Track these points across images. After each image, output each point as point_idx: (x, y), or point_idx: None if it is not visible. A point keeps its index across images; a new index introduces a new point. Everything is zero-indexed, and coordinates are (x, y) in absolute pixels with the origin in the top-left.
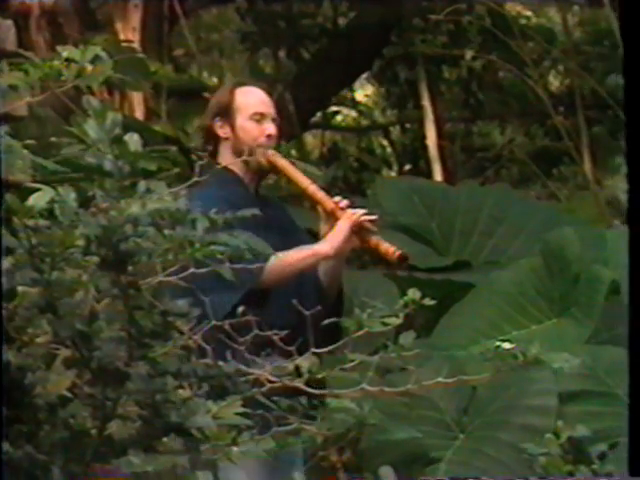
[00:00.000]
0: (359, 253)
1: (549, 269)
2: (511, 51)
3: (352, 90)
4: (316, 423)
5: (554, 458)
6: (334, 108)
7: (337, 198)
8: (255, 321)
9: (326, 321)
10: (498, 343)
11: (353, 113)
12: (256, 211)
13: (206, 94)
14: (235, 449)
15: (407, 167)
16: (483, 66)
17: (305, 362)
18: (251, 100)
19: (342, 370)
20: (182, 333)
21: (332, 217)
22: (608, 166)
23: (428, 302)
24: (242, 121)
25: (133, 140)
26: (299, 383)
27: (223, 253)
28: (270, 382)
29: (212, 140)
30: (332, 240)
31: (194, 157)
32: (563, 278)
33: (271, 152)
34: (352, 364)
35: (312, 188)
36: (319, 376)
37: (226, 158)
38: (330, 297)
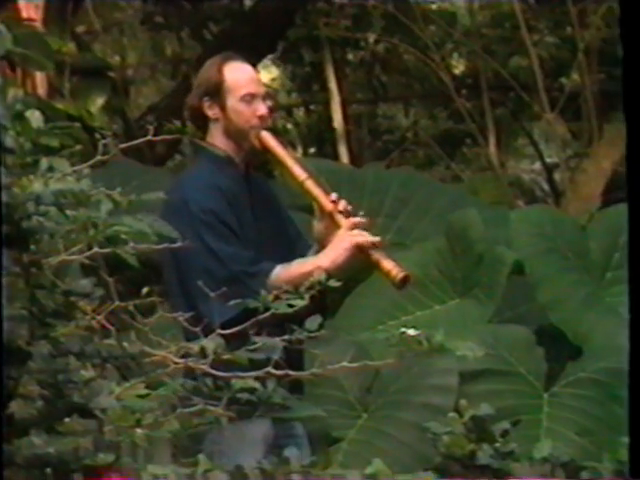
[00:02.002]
0: None
1: (453, 250)
2: (414, 34)
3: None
4: (221, 404)
5: (457, 437)
6: None
7: (334, 196)
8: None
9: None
10: (403, 329)
11: None
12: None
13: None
14: (139, 431)
15: (312, 149)
16: (386, 49)
17: (210, 343)
18: (241, 79)
19: (248, 352)
20: (86, 313)
21: (329, 218)
22: (511, 148)
23: (333, 283)
24: (233, 102)
25: (35, 117)
26: (204, 364)
27: (127, 234)
28: (175, 363)
29: (200, 119)
30: (333, 256)
31: (98, 136)
32: (466, 259)
33: (264, 134)
34: (257, 345)
35: (309, 183)
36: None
37: (216, 139)
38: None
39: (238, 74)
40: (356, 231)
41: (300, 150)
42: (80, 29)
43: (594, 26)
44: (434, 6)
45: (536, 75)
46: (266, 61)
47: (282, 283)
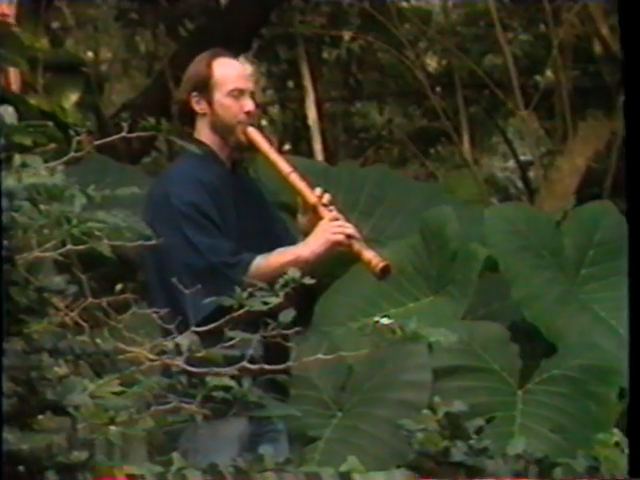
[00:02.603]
0: None
1: (427, 247)
2: (389, 32)
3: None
4: (196, 402)
5: (431, 434)
6: None
7: (318, 191)
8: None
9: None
10: (377, 318)
11: None
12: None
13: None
14: (113, 428)
15: (287, 147)
16: (361, 47)
17: (185, 340)
18: (229, 74)
19: (222, 348)
20: (59, 310)
21: (312, 211)
22: (485, 145)
23: (308, 281)
24: (220, 97)
25: (8, 113)
26: (179, 361)
27: (101, 230)
28: (149, 360)
29: (188, 114)
30: (314, 246)
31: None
32: (441, 256)
33: (250, 129)
34: (232, 342)
35: (293, 177)
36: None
37: (203, 134)
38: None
39: (227, 69)
40: (338, 222)
41: (275, 147)
42: (54, 25)
43: (568, 23)
44: (409, 4)
45: (510, 73)
46: (241, 58)
47: (262, 273)
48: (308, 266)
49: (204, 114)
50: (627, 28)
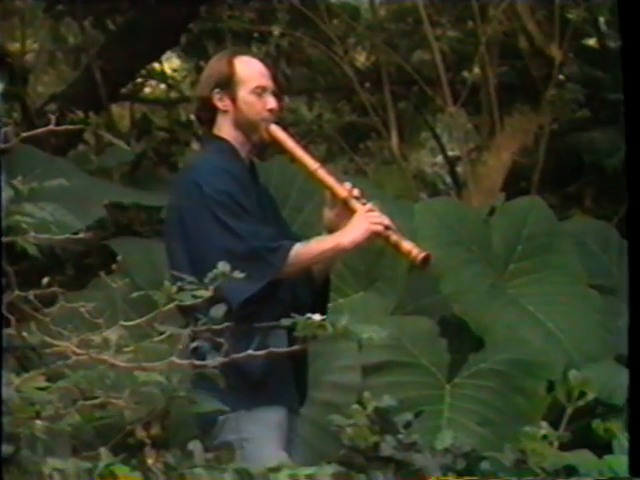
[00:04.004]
0: None
1: None
2: (318, 28)
3: (161, 63)
4: (124, 396)
5: (361, 429)
6: (142, 80)
7: (347, 185)
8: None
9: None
10: (309, 314)
11: (162, 86)
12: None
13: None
14: (39, 423)
15: None
16: (290, 43)
17: (113, 334)
18: (252, 72)
19: (151, 343)
20: None
21: (342, 205)
22: (414, 141)
23: (238, 275)
24: (244, 95)
25: None
26: (107, 355)
27: (28, 224)
28: (76, 354)
29: (208, 111)
30: (354, 235)
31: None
32: (369, 251)
33: (273, 127)
34: (162, 337)
35: (321, 172)
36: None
37: (224, 130)
38: (318, 280)
39: (249, 67)
40: (376, 213)
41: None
42: None
43: (495, 20)
44: (338, 0)
45: (438, 69)
46: (170, 53)
47: (302, 260)
48: (346, 254)
49: (226, 111)
50: (627, 28)
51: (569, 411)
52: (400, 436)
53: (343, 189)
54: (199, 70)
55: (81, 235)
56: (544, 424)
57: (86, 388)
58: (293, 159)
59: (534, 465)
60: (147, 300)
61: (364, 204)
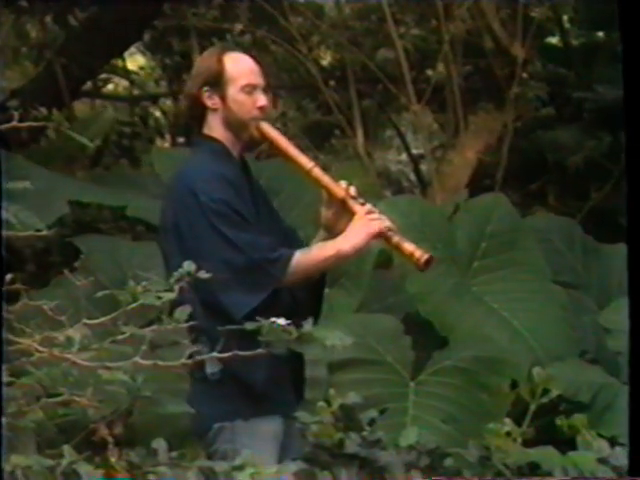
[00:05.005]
0: (132, 224)
1: None
2: (281, 26)
3: (123, 59)
4: (87, 394)
5: (326, 426)
6: (105, 77)
7: (344, 183)
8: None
9: None
10: (273, 319)
11: (125, 82)
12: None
13: None
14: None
15: (180, 139)
16: (254, 40)
17: (77, 333)
18: (242, 70)
19: (114, 343)
20: None
21: (340, 204)
22: (378, 139)
23: (203, 275)
24: (234, 93)
25: None
26: (70, 354)
27: None
28: (39, 352)
29: (198, 109)
30: (355, 240)
31: None
32: None
33: (264, 125)
34: (124, 336)
35: (316, 171)
36: (93, 347)
37: (215, 130)
38: (314, 279)
39: (238, 64)
40: (375, 215)
41: (168, 140)
42: None
43: (459, 18)
44: None
45: (402, 67)
46: (133, 49)
47: (303, 268)
48: (348, 260)
49: (216, 109)
50: (628, 28)
51: (533, 408)
52: (365, 433)
53: (340, 189)
54: (163, 67)
55: (44, 232)
56: (508, 421)
57: (49, 385)
58: (286, 158)
59: (498, 462)
60: (111, 299)
61: (362, 204)
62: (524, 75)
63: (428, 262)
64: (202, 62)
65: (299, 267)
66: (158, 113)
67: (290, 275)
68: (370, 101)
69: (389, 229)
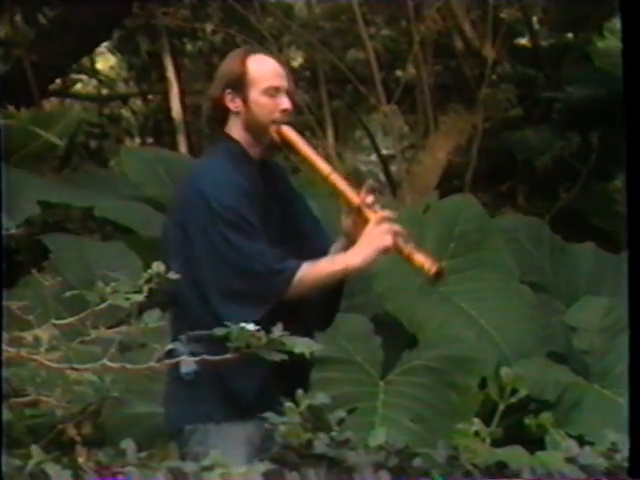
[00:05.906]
0: (101, 224)
1: None
2: (252, 26)
3: (92, 59)
4: (55, 395)
5: (294, 426)
6: (74, 76)
7: (363, 191)
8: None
9: None
10: (242, 324)
11: (94, 82)
12: None
13: None
14: None
15: (150, 139)
16: (224, 40)
17: (45, 333)
18: (265, 72)
19: (82, 343)
20: None
21: (357, 212)
22: (348, 139)
23: (173, 276)
24: (256, 95)
25: None
26: (38, 355)
27: None
28: (7, 352)
29: (220, 111)
30: (364, 254)
31: None
32: None
33: (285, 128)
34: (92, 337)
35: (334, 177)
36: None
37: (235, 131)
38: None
39: (262, 66)
40: (386, 225)
41: (138, 140)
42: None
43: (429, 19)
44: None
45: (372, 68)
46: (102, 49)
47: (308, 282)
48: (358, 273)
49: (238, 112)
50: (628, 28)
51: (501, 407)
52: (333, 433)
53: (355, 196)
54: (132, 67)
55: (12, 231)
56: (476, 420)
57: (17, 386)
58: (304, 162)
59: (466, 461)
60: (79, 299)
61: (376, 212)
62: (493, 76)
63: (439, 273)
64: (225, 64)
65: (303, 280)
66: (127, 113)
67: (294, 288)
68: (340, 102)
69: (401, 240)
